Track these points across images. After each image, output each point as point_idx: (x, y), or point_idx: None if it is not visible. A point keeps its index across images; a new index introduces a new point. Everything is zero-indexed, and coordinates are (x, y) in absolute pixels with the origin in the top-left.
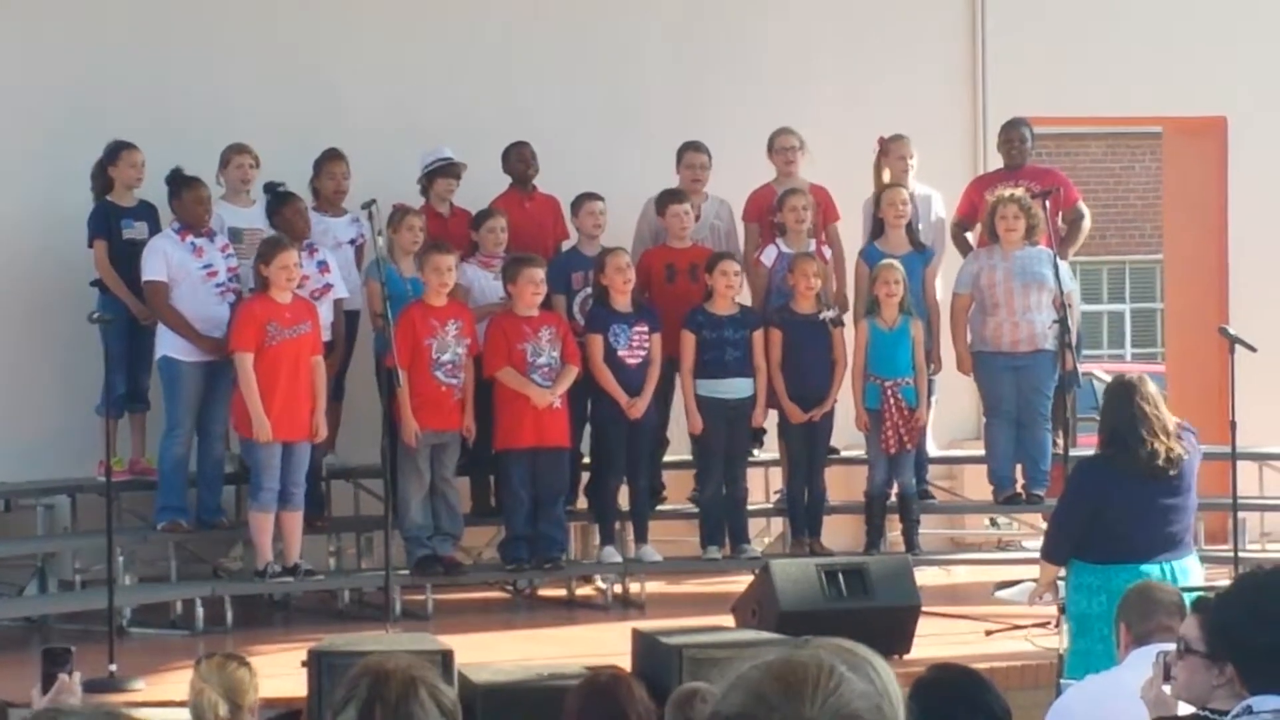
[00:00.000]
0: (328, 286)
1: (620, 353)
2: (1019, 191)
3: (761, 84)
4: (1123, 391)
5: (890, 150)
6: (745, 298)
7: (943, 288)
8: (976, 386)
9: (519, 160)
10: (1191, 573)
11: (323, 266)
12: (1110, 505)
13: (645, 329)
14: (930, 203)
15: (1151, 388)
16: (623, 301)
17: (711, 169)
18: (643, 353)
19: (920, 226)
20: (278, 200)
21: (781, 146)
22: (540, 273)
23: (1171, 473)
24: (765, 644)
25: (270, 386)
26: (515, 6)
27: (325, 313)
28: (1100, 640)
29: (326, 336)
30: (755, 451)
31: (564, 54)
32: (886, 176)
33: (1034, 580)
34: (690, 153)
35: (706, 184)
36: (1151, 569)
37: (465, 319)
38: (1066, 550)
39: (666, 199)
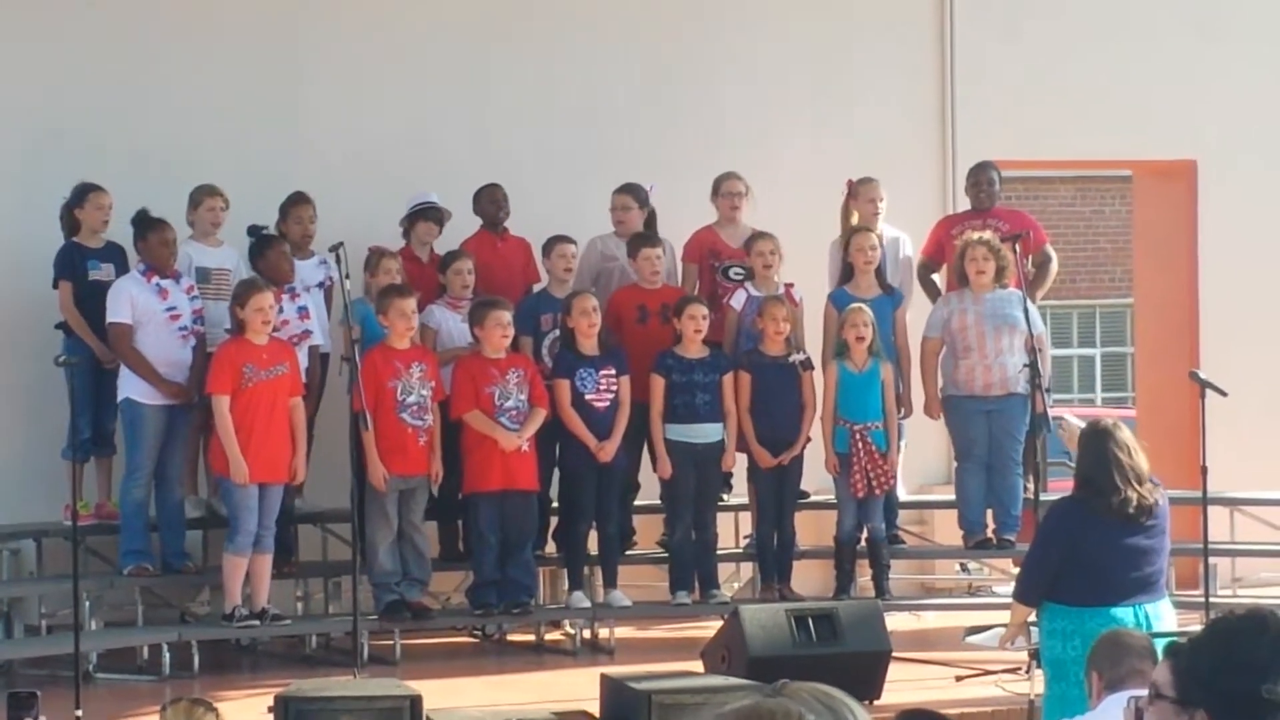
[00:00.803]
0: (307, 332)
1: (588, 396)
2: (988, 234)
3: (730, 127)
4: (1097, 438)
5: (860, 193)
6: None
7: (912, 331)
8: (948, 430)
9: (490, 202)
10: (1165, 616)
11: (303, 312)
12: (1083, 547)
13: (613, 372)
14: (899, 245)
15: (1125, 434)
16: (589, 345)
17: (637, 210)
18: (610, 395)
19: (889, 269)
20: (262, 243)
21: (728, 191)
22: (507, 315)
23: (1145, 520)
24: (735, 689)
25: (247, 429)
26: (487, 51)
27: (303, 358)
28: (1076, 685)
29: (302, 379)
30: (725, 496)
31: (535, 98)
32: (855, 219)
33: (1005, 625)
34: (615, 195)
35: (632, 226)
36: (1124, 612)
37: (429, 362)
38: (1039, 592)
39: (638, 242)
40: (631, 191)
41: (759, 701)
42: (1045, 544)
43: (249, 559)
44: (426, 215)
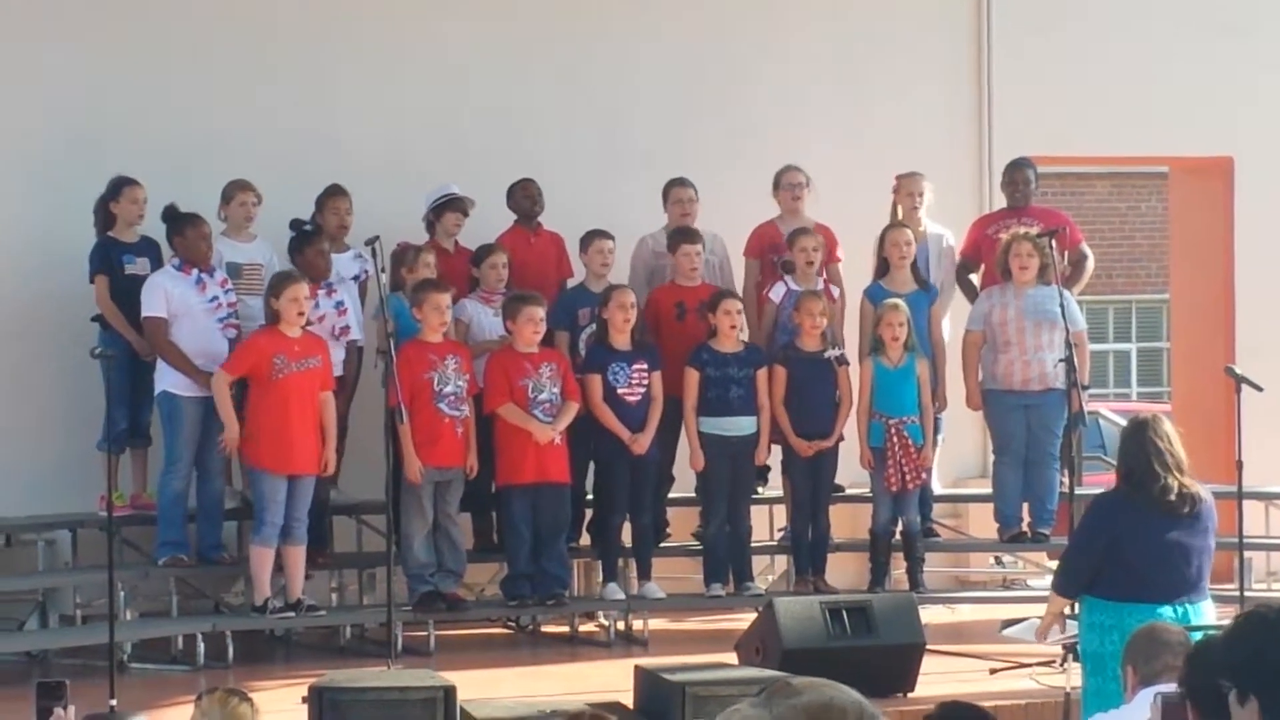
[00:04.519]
0: (346, 328)
1: (620, 390)
2: (1033, 230)
3: (763, 122)
4: (1137, 430)
5: (900, 187)
6: (743, 334)
7: (948, 326)
8: (986, 425)
9: (524, 197)
10: (1207, 617)
11: (340, 307)
12: (1126, 541)
13: (645, 366)
14: (942, 241)
15: (1167, 426)
16: (621, 340)
17: (699, 203)
18: (642, 390)
19: (932, 265)
20: (302, 238)
21: (789, 183)
22: (540, 311)
23: (1186, 509)
24: (760, 682)
25: (277, 419)
26: (516, 45)
27: (340, 352)
28: (1114, 680)
29: (339, 373)
30: (759, 489)
31: (565, 93)
32: (900, 214)
33: (1040, 617)
34: (677, 188)
35: (695, 218)
36: (1165, 610)
37: (463, 355)
38: (1078, 585)
39: (678, 238)
40: (693, 185)
41: (832, 697)
42: (1087, 537)
43: (274, 549)
44: (451, 206)
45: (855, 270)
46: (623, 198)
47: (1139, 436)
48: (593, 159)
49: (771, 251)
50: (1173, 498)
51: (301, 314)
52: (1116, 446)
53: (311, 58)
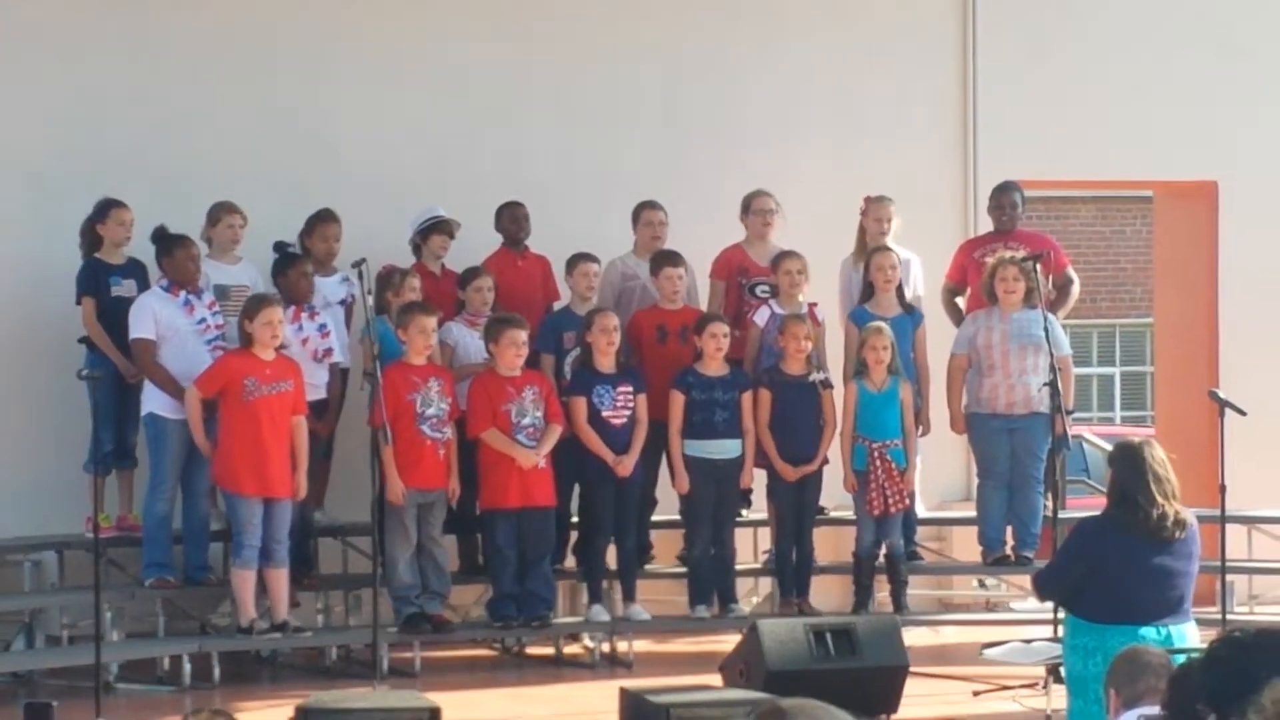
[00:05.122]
0: (330, 350)
1: (605, 413)
2: (1018, 254)
3: (750, 146)
4: (1132, 453)
5: (868, 211)
6: None
7: (929, 350)
8: (971, 447)
9: (511, 221)
10: (1189, 639)
11: (323, 330)
12: (1110, 566)
13: (629, 389)
14: (909, 267)
15: (1160, 451)
16: (606, 363)
17: (669, 225)
18: (627, 413)
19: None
20: (285, 261)
21: (759, 209)
22: (522, 334)
23: (1178, 535)
24: (746, 704)
25: (248, 441)
26: (507, 71)
27: (323, 374)
28: (1096, 701)
29: (322, 395)
30: (744, 511)
31: (555, 118)
32: (866, 237)
33: (1023, 640)
34: (648, 210)
35: (665, 240)
36: (1148, 632)
37: (445, 379)
38: (1055, 596)
39: (661, 261)
40: (663, 208)
41: None
42: (1070, 557)
43: (255, 572)
44: (438, 228)
45: (826, 292)
46: (615, 220)
47: (1134, 460)
48: (585, 181)
49: (739, 275)
50: (1168, 524)
51: (275, 337)
52: (1101, 470)
53: (305, 78)
